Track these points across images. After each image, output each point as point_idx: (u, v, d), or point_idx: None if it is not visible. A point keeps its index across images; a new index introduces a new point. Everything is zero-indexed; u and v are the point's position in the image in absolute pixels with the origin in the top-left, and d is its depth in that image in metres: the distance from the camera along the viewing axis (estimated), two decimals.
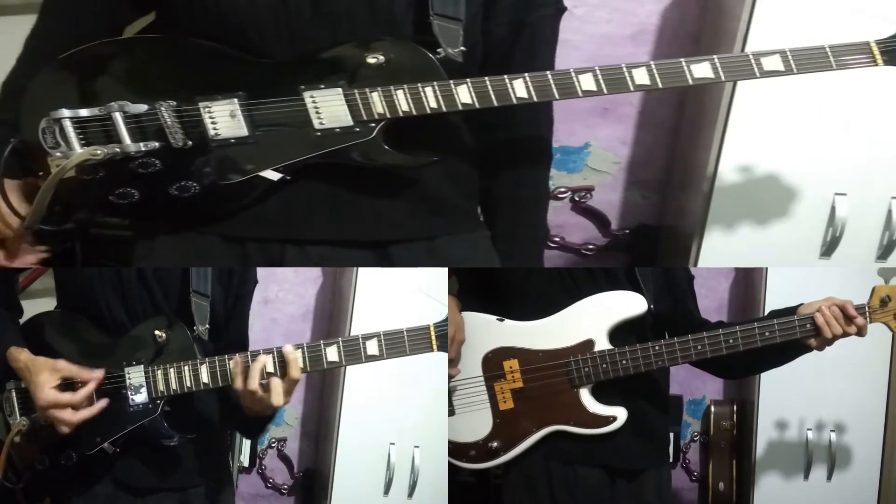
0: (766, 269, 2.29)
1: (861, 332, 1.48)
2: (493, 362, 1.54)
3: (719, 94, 2.03)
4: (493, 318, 1.57)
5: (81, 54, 1.33)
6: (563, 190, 2.50)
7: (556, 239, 2.54)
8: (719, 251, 2.08)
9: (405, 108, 1.29)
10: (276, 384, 1.36)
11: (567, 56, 2.23)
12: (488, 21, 1.38)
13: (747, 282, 2.52)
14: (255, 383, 1.35)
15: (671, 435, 2.37)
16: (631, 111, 2.43)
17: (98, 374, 1.39)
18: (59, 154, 1.31)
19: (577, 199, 2.52)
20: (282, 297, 2.58)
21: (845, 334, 1.48)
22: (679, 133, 2.44)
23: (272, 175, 1.32)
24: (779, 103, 1.96)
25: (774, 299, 2.28)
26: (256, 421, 1.47)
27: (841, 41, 1.33)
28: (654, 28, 2.34)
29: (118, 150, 1.30)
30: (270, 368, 1.37)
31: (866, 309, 1.49)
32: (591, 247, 2.56)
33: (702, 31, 2.32)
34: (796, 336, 1.48)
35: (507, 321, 1.56)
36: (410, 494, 2.33)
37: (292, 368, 1.36)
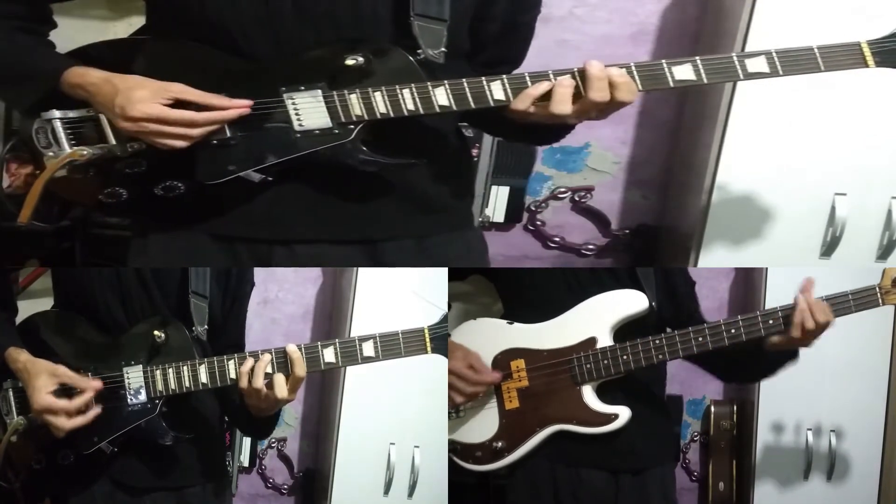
0: (766, 269, 2.29)
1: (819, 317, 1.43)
2: (502, 363, 1.55)
3: (719, 95, 2.03)
4: (503, 321, 1.57)
5: (74, 55, 1.33)
6: (563, 190, 2.51)
7: (556, 239, 2.54)
8: (719, 251, 2.08)
9: (383, 110, 1.28)
10: (280, 379, 1.37)
11: (567, 56, 2.25)
12: (481, 20, 1.37)
13: (747, 282, 2.51)
14: (259, 381, 1.37)
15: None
16: (631, 111, 2.42)
17: (96, 384, 1.38)
18: (51, 154, 1.32)
19: (577, 199, 2.52)
20: (281, 298, 2.58)
21: (818, 326, 1.43)
22: (679, 133, 2.44)
23: (254, 176, 1.32)
24: (779, 103, 1.96)
25: (774, 299, 2.27)
26: (263, 421, 1.48)
27: (836, 42, 1.28)
28: (654, 28, 2.35)
29: (105, 150, 1.31)
30: (269, 369, 1.38)
31: (877, 289, 1.46)
32: (591, 247, 2.56)
33: (702, 31, 2.32)
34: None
35: (515, 324, 1.56)
36: (410, 494, 2.33)
37: (297, 367, 1.37)
